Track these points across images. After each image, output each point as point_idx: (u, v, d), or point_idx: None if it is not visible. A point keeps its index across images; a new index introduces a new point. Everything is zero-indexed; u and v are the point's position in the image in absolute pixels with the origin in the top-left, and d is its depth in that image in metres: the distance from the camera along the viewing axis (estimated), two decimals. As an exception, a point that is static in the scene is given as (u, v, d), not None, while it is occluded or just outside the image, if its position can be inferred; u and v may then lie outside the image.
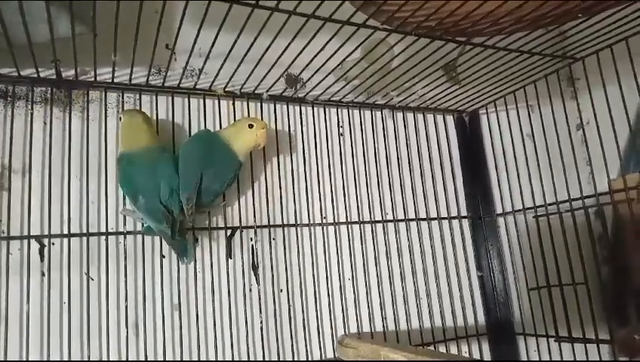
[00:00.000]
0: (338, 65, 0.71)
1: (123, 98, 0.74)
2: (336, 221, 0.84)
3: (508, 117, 0.94)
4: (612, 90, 0.76)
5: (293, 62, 0.69)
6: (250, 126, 0.71)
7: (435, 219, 0.92)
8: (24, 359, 0.62)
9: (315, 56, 0.68)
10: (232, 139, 0.72)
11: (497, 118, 0.96)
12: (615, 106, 0.76)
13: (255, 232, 0.78)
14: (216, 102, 0.79)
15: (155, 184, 0.66)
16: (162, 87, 0.75)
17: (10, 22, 0.54)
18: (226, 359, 0.71)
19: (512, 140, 0.93)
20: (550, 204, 0.85)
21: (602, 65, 0.77)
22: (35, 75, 0.67)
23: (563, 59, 0.80)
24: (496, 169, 0.96)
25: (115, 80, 0.71)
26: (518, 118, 0.92)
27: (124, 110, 0.72)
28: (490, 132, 0.97)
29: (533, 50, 0.74)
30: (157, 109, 0.75)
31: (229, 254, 0.75)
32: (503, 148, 0.95)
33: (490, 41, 0.70)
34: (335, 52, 0.67)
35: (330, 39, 0.63)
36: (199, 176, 0.69)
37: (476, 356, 0.89)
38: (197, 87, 0.77)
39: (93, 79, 0.71)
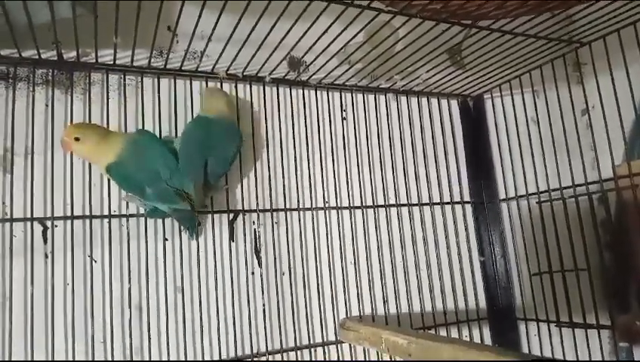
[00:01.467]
0: (341, 48, 0.71)
1: (125, 80, 0.73)
2: (338, 205, 0.84)
3: (513, 101, 0.93)
4: (619, 75, 0.75)
5: (296, 44, 0.68)
6: (213, 93, 0.74)
7: (437, 203, 0.92)
8: (29, 339, 0.62)
9: (319, 38, 0.67)
10: (220, 112, 0.72)
11: (502, 102, 0.95)
12: (621, 92, 0.75)
13: (257, 216, 0.78)
14: (219, 85, 0.79)
15: (153, 170, 0.66)
16: (164, 70, 0.74)
17: (10, 3, 0.54)
18: (229, 341, 0.72)
19: (517, 125, 0.92)
20: (554, 190, 0.85)
21: (609, 50, 0.76)
22: (37, 57, 0.67)
23: (569, 44, 0.78)
24: (500, 154, 0.96)
25: (117, 62, 0.71)
26: (523, 102, 0.91)
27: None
28: (495, 117, 0.96)
29: (540, 34, 0.73)
30: (159, 92, 0.74)
31: (232, 237, 0.76)
32: (507, 133, 0.95)
33: (496, 24, 0.69)
34: (339, 35, 0.66)
35: (333, 21, 0.63)
36: (204, 162, 0.69)
37: (477, 340, 0.90)
38: (199, 69, 0.76)
39: (94, 61, 0.70)
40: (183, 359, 0.69)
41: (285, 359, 0.75)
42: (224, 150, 0.71)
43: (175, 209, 0.67)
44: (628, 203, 0.86)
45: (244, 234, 0.76)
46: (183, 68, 0.75)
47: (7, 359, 0.61)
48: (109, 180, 0.69)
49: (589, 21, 0.72)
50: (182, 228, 0.72)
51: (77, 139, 0.63)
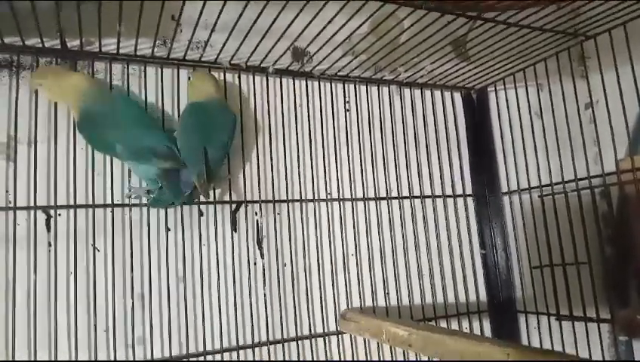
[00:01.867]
0: (346, 39, 0.70)
1: (128, 70, 0.73)
2: (340, 197, 0.84)
3: (517, 95, 0.93)
4: (624, 69, 0.75)
5: (300, 35, 0.68)
6: (201, 78, 0.73)
7: (440, 196, 0.92)
8: (32, 328, 0.63)
9: (323, 29, 0.67)
10: (210, 95, 0.71)
11: (506, 95, 0.95)
12: (626, 86, 0.75)
13: (260, 207, 0.78)
14: (222, 75, 0.79)
15: (127, 127, 0.66)
16: (167, 59, 0.74)
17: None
18: (230, 331, 0.72)
19: (520, 118, 0.92)
20: (556, 184, 0.85)
21: (614, 43, 0.76)
22: (40, 45, 0.67)
23: (575, 37, 0.78)
24: (503, 147, 0.96)
25: (120, 51, 0.71)
26: (527, 96, 0.91)
27: None
28: (498, 110, 0.96)
29: (545, 26, 0.73)
30: (162, 81, 0.74)
31: (234, 228, 0.76)
32: (511, 127, 0.95)
33: (502, 16, 0.68)
34: (343, 25, 0.66)
35: (338, 12, 0.62)
36: (204, 149, 0.68)
37: (477, 332, 0.90)
38: (202, 59, 0.76)
39: (98, 50, 0.70)
40: (185, 347, 0.69)
41: (286, 349, 0.76)
42: (221, 134, 0.71)
43: (161, 171, 0.66)
44: (630, 197, 0.86)
45: (247, 225, 0.77)
46: (186, 58, 0.75)
47: (10, 347, 0.61)
48: (111, 169, 0.69)
49: (595, 14, 0.71)
50: (167, 197, 0.69)
51: (40, 85, 0.64)
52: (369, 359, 0.81)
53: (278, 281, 0.77)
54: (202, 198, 0.73)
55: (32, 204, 0.65)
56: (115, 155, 0.66)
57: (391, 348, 0.82)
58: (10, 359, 0.61)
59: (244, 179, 0.78)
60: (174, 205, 0.70)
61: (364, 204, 0.86)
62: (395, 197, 0.88)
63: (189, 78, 0.74)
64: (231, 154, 0.76)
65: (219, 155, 0.70)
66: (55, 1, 0.60)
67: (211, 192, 0.74)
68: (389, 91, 0.92)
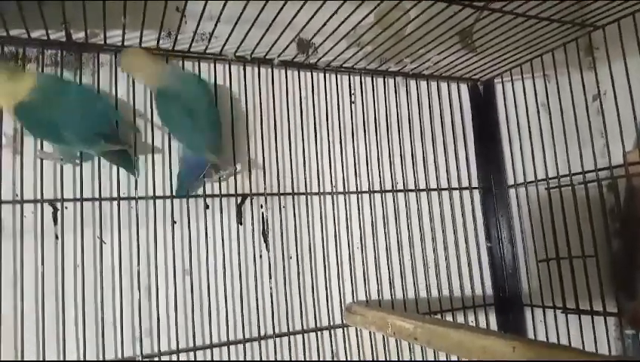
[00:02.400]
0: (351, 30, 0.70)
1: (133, 62, 0.73)
2: (346, 190, 0.84)
3: (523, 86, 0.92)
4: (632, 60, 0.74)
5: (305, 26, 0.68)
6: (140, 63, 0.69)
7: (445, 189, 0.92)
8: (40, 320, 0.63)
9: (328, 20, 0.66)
10: (161, 74, 0.69)
11: (512, 87, 0.94)
12: (634, 77, 0.74)
13: (265, 200, 0.78)
14: (227, 67, 0.78)
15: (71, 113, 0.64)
16: (172, 51, 0.74)
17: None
18: (237, 323, 0.73)
19: (527, 110, 0.91)
20: (563, 176, 0.84)
21: (623, 34, 0.75)
22: (45, 38, 0.67)
23: (582, 27, 0.77)
24: (510, 139, 0.95)
25: (125, 43, 0.70)
26: (534, 87, 0.90)
27: None
28: (505, 101, 0.96)
29: (553, 17, 0.72)
30: (167, 74, 0.74)
31: (240, 221, 0.76)
32: (517, 118, 0.94)
33: (509, 6, 0.68)
34: (348, 16, 0.65)
35: (343, 3, 0.62)
36: (199, 129, 0.68)
37: (483, 326, 0.90)
38: (207, 51, 0.76)
39: (103, 42, 0.70)
40: (192, 340, 0.70)
41: (292, 342, 0.76)
42: (198, 104, 0.69)
43: (106, 152, 0.66)
44: (638, 189, 0.85)
45: (252, 218, 0.77)
46: (191, 49, 0.74)
47: (19, 340, 0.61)
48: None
49: (603, 4, 0.70)
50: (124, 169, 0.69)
51: None
52: (374, 352, 0.81)
53: (284, 274, 0.77)
54: (217, 181, 0.75)
55: (38, 197, 0.65)
56: (60, 143, 0.64)
57: (396, 341, 0.82)
58: (19, 352, 0.61)
59: (250, 172, 0.77)
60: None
61: (370, 196, 0.86)
62: (401, 190, 0.88)
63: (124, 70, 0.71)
64: (236, 147, 0.76)
65: (212, 124, 0.70)
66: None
67: (216, 185, 0.74)
68: (395, 83, 0.91)
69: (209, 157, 0.69)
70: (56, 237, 0.66)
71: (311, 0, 0.60)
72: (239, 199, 0.76)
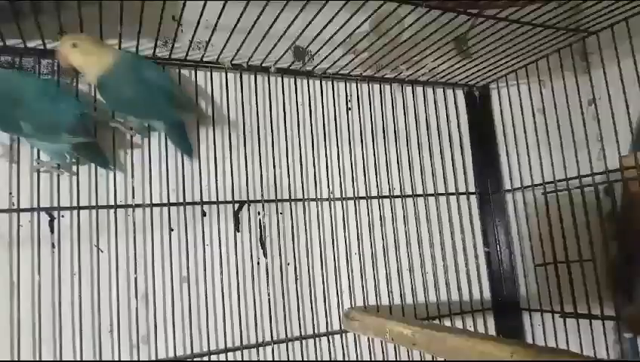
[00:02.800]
0: (347, 37, 0.70)
1: (130, 70, 0.73)
2: (343, 196, 0.84)
3: (519, 92, 0.93)
4: (626, 65, 0.75)
5: (301, 34, 0.68)
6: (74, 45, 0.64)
7: (442, 194, 0.92)
8: (36, 328, 0.63)
9: (324, 28, 0.67)
10: (106, 62, 0.64)
11: (508, 92, 0.94)
12: (629, 82, 0.74)
13: (262, 206, 0.78)
14: (224, 75, 0.79)
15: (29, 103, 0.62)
16: (169, 60, 0.74)
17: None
18: (234, 330, 0.72)
19: (523, 115, 0.92)
20: (559, 181, 0.84)
21: (617, 39, 0.75)
22: (42, 47, 0.67)
23: (577, 33, 0.78)
24: (506, 144, 0.95)
25: (122, 52, 0.71)
26: (529, 92, 0.91)
27: None
28: (501, 107, 0.96)
29: (547, 23, 0.72)
30: (164, 82, 0.74)
31: (237, 228, 0.76)
32: (513, 124, 0.94)
33: (503, 13, 0.68)
34: (344, 24, 0.66)
35: (338, 10, 0.62)
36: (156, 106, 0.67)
37: (481, 330, 0.90)
38: (204, 59, 0.76)
39: (99, 51, 0.70)
40: (189, 347, 0.70)
41: (290, 348, 0.76)
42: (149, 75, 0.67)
43: (80, 149, 0.65)
44: (634, 194, 0.85)
45: (249, 225, 0.77)
46: (187, 58, 0.75)
47: (15, 348, 0.61)
48: (114, 170, 0.69)
49: (596, 10, 0.71)
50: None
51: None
52: (373, 358, 0.80)
53: (282, 281, 0.77)
54: (204, 192, 0.74)
55: (35, 205, 0.65)
56: (21, 135, 0.63)
57: (395, 346, 0.82)
58: (16, 360, 0.61)
59: (247, 179, 0.78)
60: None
61: (367, 202, 0.86)
62: (398, 196, 0.88)
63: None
64: (233, 153, 0.76)
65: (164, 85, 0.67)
66: (56, 2, 0.60)
67: (214, 193, 0.74)
68: (391, 89, 0.91)
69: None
70: (53, 246, 0.66)
71: (307, 8, 0.61)
72: (236, 206, 0.76)
